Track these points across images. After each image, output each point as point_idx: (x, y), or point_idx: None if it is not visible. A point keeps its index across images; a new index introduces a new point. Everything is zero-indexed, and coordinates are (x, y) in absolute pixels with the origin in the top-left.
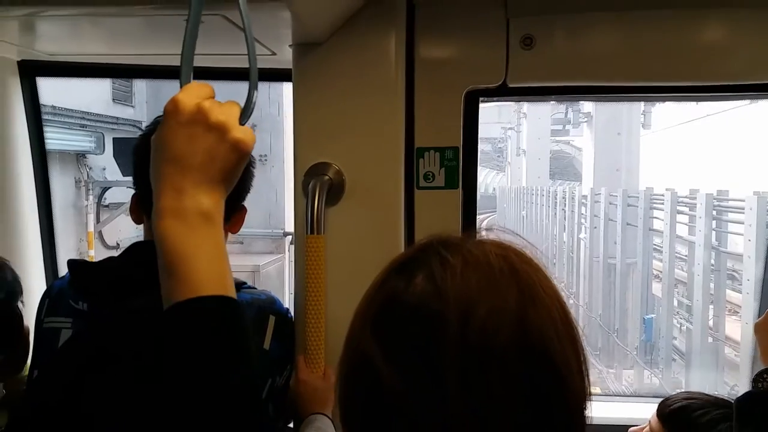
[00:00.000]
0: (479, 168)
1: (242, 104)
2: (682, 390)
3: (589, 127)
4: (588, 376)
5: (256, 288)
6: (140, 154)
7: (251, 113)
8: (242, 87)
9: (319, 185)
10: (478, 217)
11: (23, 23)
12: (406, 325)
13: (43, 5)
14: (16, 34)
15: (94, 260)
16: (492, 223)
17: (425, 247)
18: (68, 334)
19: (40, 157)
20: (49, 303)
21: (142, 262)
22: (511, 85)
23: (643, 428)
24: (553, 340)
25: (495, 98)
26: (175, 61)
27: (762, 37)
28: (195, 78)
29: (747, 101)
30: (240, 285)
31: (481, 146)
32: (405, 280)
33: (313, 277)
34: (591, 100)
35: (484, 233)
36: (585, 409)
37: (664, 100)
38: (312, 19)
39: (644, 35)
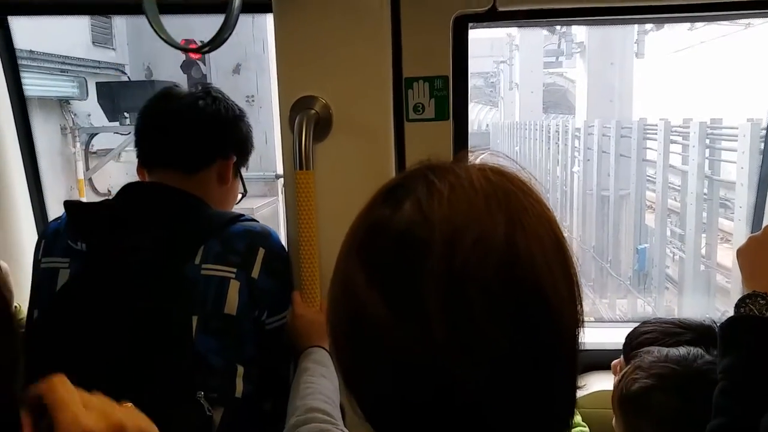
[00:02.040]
0: (472, 104)
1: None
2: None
3: (582, 57)
4: (581, 303)
5: (256, 221)
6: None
7: (233, 27)
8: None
9: (306, 119)
10: (471, 153)
11: None
12: (391, 252)
13: None
14: None
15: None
16: (484, 159)
17: (413, 173)
18: (66, 274)
19: (20, 103)
20: (45, 244)
21: (136, 203)
22: (500, 9)
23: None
24: (542, 268)
25: (485, 24)
26: None
27: None
28: (163, 12)
29: (741, 27)
30: (237, 217)
31: (473, 81)
32: (391, 207)
33: (305, 214)
34: (582, 24)
35: (477, 158)
36: (578, 336)
37: (656, 21)
38: None
39: None
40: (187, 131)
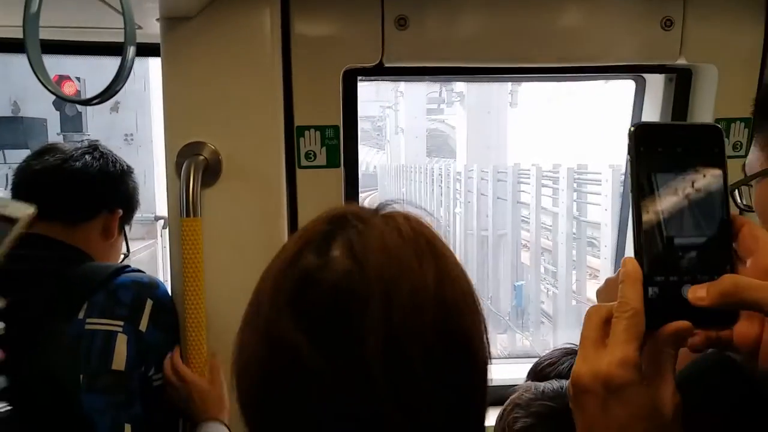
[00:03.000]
0: (360, 146)
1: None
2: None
3: (461, 105)
4: (488, 342)
5: (143, 272)
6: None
7: (126, 78)
8: (102, 61)
9: (194, 165)
10: (360, 195)
11: None
12: (327, 305)
13: None
14: None
15: None
16: (374, 201)
17: (338, 219)
18: None
19: None
20: None
21: (16, 257)
22: (387, 65)
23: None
24: (466, 316)
25: (373, 77)
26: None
27: (613, 23)
28: (44, 52)
29: (603, 81)
30: (122, 269)
31: (360, 125)
32: (323, 256)
33: (191, 263)
34: (463, 80)
35: (392, 206)
36: (488, 371)
37: (529, 80)
38: None
39: (511, 19)
40: (72, 183)
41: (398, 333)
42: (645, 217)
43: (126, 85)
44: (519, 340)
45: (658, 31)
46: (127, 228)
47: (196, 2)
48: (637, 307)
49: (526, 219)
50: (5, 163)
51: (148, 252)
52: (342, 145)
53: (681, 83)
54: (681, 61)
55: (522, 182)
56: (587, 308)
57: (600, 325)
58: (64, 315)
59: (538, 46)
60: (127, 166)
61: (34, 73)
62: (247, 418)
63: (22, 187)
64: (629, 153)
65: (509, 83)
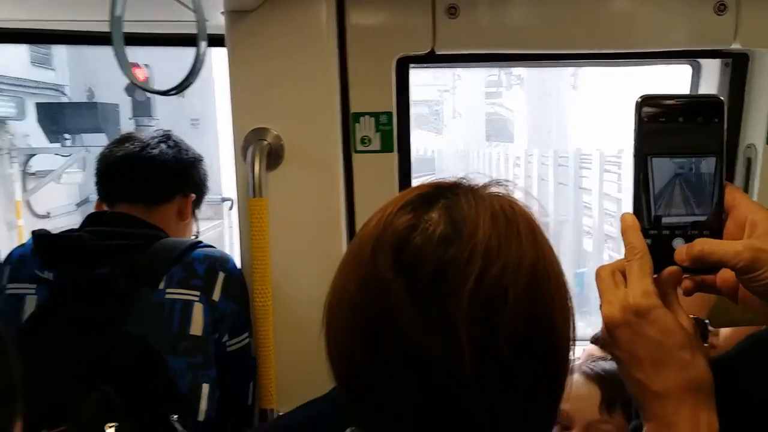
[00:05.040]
0: (417, 130)
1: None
2: None
3: (521, 88)
4: (574, 328)
5: (215, 247)
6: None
7: (200, 70)
8: (174, 52)
9: (259, 150)
10: (416, 180)
11: None
12: (429, 261)
13: None
14: None
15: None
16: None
17: (450, 186)
18: (33, 300)
19: None
20: (10, 270)
21: (102, 233)
22: (438, 52)
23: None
24: (554, 298)
25: (425, 64)
26: (97, 27)
27: (666, 9)
28: (126, 44)
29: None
30: (196, 244)
31: (417, 109)
32: (425, 215)
33: (258, 239)
34: (515, 66)
35: (500, 186)
36: (568, 355)
37: (582, 65)
38: None
39: (562, 6)
40: (152, 168)
41: (487, 298)
42: (645, 179)
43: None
44: (581, 329)
45: (712, 15)
46: (197, 210)
47: None
48: (644, 249)
49: (588, 205)
50: (83, 146)
51: (215, 231)
52: (395, 130)
53: (737, 68)
54: (736, 46)
55: (584, 167)
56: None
57: (611, 275)
58: (147, 285)
59: (589, 32)
60: (198, 154)
61: (122, 69)
62: (333, 359)
63: (105, 173)
64: (635, 121)
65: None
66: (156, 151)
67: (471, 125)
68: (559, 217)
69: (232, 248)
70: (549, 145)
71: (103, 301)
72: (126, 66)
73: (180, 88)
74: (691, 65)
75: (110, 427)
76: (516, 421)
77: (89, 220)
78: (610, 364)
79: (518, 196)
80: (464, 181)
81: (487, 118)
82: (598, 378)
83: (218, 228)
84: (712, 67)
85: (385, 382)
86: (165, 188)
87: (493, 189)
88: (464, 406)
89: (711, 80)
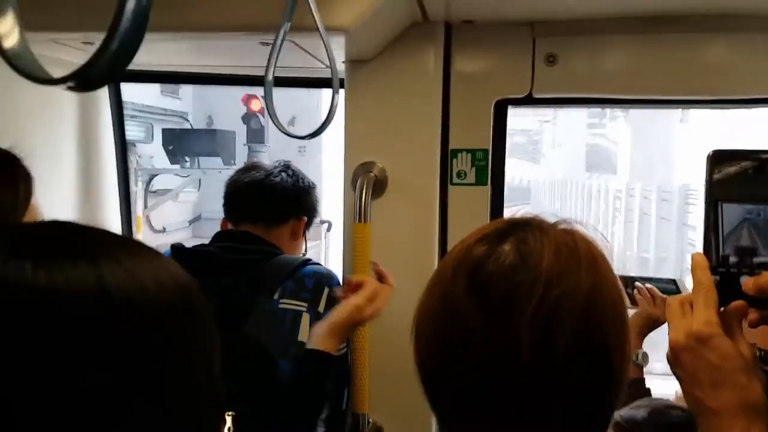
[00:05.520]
0: (513, 159)
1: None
2: None
3: (626, 120)
4: (629, 356)
5: (322, 265)
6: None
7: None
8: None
9: (366, 181)
10: (509, 209)
11: None
12: (498, 284)
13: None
14: None
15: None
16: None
17: (522, 223)
18: None
19: (122, 148)
20: None
21: (229, 248)
22: (536, 96)
23: None
24: (609, 325)
25: (523, 105)
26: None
27: (757, 58)
28: (254, 85)
29: None
30: (306, 261)
31: (515, 138)
32: (499, 248)
33: (360, 260)
34: (610, 108)
35: (571, 224)
36: (621, 380)
37: (677, 108)
38: (363, 42)
39: (655, 55)
40: (273, 193)
41: (547, 316)
42: (713, 223)
43: (302, 101)
44: None
45: None
46: (307, 230)
47: (375, 48)
48: (710, 285)
49: (692, 242)
50: (199, 167)
51: (312, 252)
52: (490, 166)
53: None
54: None
55: (690, 203)
56: None
57: (680, 305)
58: (265, 295)
59: (684, 80)
60: (312, 182)
61: (274, 122)
62: (419, 366)
63: (233, 196)
64: (706, 170)
65: None
66: (277, 179)
67: (570, 156)
68: (660, 254)
69: (327, 265)
70: (653, 178)
71: (228, 307)
72: (275, 118)
73: (317, 133)
74: None
75: (229, 415)
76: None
77: (217, 237)
78: (641, 415)
79: (584, 231)
80: (536, 219)
81: (588, 149)
82: (615, 426)
83: (317, 248)
84: None
85: (456, 383)
86: (282, 212)
87: (561, 226)
88: (520, 403)
89: None
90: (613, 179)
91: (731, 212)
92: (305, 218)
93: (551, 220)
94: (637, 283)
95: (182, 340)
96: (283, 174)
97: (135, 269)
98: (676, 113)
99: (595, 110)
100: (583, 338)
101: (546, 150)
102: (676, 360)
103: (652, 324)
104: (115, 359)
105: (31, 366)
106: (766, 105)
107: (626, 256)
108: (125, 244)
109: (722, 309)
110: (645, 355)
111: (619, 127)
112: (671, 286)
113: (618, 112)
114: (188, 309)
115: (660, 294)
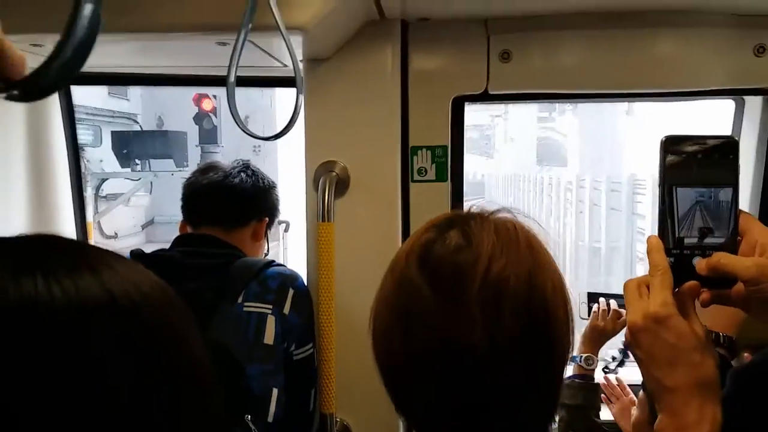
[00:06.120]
0: (468, 155)
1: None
2: None
3: (573, 113)
4: (573, 332)
5: (285, 266)
6: (193, 187)
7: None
8: (245, 91)
9: (329, 180)
10: (467, 203)
11: None
12: (445, 265)
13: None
14: None
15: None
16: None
17: (465, 214)
18: None
19: (74, 153)
20: None
21: (190, 253)
22: (492, 92)
23: None
24: (551, 299)
25: (478, 102)
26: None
27: (706, 51)
28: (211, 85)
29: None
30: (269, 263)
31: (469, 134)
32: (445, 233)
33: (325, 260)
34: (562, 103)
35: (505, 212)
36: (567, 353)
37: (627, 101)
38: (321, 40)
39: (608, 50)
40: (232, 195)
41: (493, 285)
42: (669, 205)
43: (255, 100)
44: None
45: (752, 57)
46: (268, 231)
47: (332, 46)
48: (666, 266)
49: (642, 231)
50: (150, 170)
51: (272, 253)
52: (449, 161)
53: None
54: None
55: (638, 193)
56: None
57: (636, 287)
58: (228, 299)
59: (634, 74)
60: (272, 182)
61: (238, 124)
62: (376, 354)
63: (191, 198)
64: (660, 156)
65: None
66: (236, 180)
67: (522, 150)
68: (611, 243)
69: (286, 265)
70: (602, 169)
71: (196, 314)
72: (239, 119)
73: (281, 134)
74: (735, 101)
75: None
76: (519, 395)
77: (178, 241)
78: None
79: (522, 219)
80: (479, 208)
81: (538, 142)
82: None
83: (275, 249)
84: (755, 104)
85: (415, 361)
86: (243, 213)
87: (501, 214)
88: (476, 374)
89: (754, 115)
90: (564, 171)
91: (684, 196)
92: (266, 219)
93: (492, 208)
94: (601, 299)
95: (182, 338)
96: (242, 174)
97: (130, 276)
98: (622, 106)
99: (546, 104)
100: (529, 306)
101: (498, 144)
102: (634, 340)
103: (599, 336)
104: (130, 360)
105: (52, 375)
106: (708, 96)
107: (578, 246)
108: (109, 253)
109: (676, 290)
110: (590, 358)
111: (568, 120)
112: None
113: (567, 106)
114: (178, 309)
115: (615, 308)
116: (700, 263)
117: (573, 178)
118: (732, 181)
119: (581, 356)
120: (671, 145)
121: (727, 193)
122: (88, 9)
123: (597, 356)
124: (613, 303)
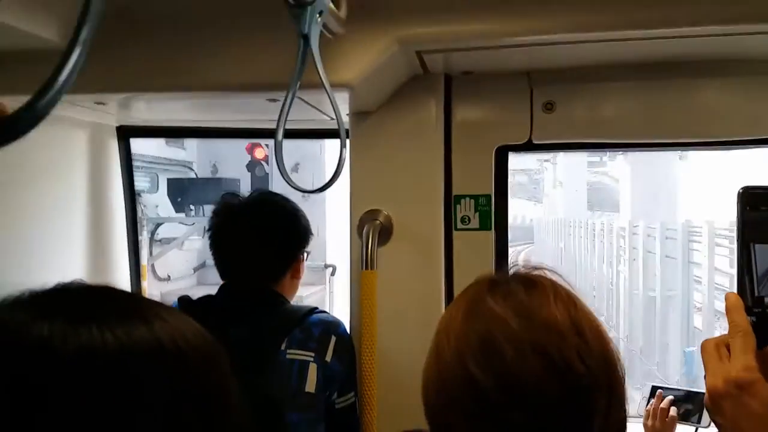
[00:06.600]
0: (515, 199)
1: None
2: None
3: (625, 159)
4: (623, 402)
5: (328, 313)
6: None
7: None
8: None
9: (372, 228)
10: (515, 248)
11: (123, 101)
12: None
13: (139, 91)
14: (116, 108)
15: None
16: (528, 255)
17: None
18: None
19: (131, 200)
20: None
21: (238, 298)
22: (536, 142)
23: None
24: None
25: (522, 152)
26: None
27: (752, 101)
28: (262, 137)
29: None
30: (313, 309)
31: (517, 178)
32: (494, 298)
33: (367, 308)
34: (608, 152)
35: (546, 272)
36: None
37: (675, 150)
38: (366, 95)
39: (650, 100)
40: (268, 253)
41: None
42: (748, 263)
43: (305, 148)
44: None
45: None
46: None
47: (378, 100)
48: (747, 327)
49: (698, 279)
50: (204, 215)
51: (317, 296)
52: (493, 209)
53: None
54: None
55: (693, 240)
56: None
57: (715, 349)
58: (272, 346)
59: (679, 123)
60: (295, 206)
61: (285, 178)
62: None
63: (224, 254)
64: (737, 209)
65: None
66: (267, 228)
67: (572, 194)
68: (666, 291)
69: (331, 311)
70: (656, 215)
71: (235, 358)
72: (286, 174)
73: (325, 187)
74: None
75: None
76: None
77: (222, 289)
78: None
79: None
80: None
81: (589, 187)
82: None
83: (321, 293)
84: None
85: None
86: (282, 266)
87: (537, 272)
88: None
89: None
90: (616, 217)
91: (763, 252)
92: (303, 255)
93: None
94: (659, 391)
95: (223, 386)
96: (265, 212)
97: (179, 325)
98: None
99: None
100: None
101: (548, 189)
102: (716, 407)
103: None
104: (176, 403)
105: (108, 415)
106: (762, 146)
107: (633, 294)
108: (159, 304)
109: (759, 351)
110: None
111: (620, 165)
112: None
113: (619, 150)
114: (220, 357)
115: (663, 406)
116: None
117: (626, 224)
118: None
119: None
120: (750, 197)
121: None
122: (75, 56)
123: None
124: (666, 399)
